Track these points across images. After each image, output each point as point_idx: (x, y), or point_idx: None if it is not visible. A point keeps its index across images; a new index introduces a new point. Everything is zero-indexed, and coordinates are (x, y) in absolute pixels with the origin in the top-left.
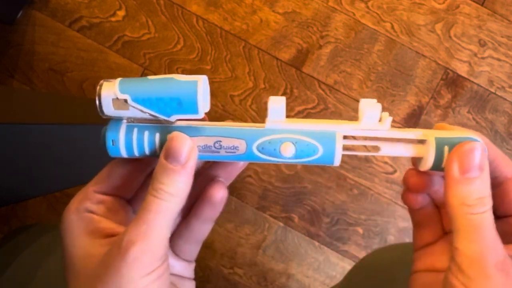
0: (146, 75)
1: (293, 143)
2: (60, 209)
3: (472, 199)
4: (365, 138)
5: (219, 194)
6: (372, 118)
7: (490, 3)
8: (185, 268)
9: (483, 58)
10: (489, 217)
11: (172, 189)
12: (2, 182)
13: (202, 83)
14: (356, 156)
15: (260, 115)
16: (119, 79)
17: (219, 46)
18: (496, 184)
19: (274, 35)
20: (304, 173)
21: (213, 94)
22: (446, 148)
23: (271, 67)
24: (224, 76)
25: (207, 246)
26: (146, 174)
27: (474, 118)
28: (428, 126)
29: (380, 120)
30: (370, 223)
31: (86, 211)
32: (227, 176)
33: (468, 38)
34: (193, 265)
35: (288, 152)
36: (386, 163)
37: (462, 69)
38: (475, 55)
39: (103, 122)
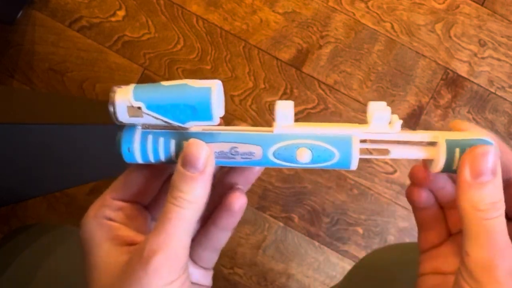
0: (146, 75)
1: (309, 149)
2: (60, 209)
3: (484, 203)
4: (373, 141)
5: (238, 202)
6: (381, 121)
7: (490, 3)
8: (203, 276)
9: (483, 58)
10: (501, 222)
11: (191, 197)
12: (2, 182)
13: (216, 89)
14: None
15: (260, 115)
16: (132, 85)
17: (219, 46)
18: (506, 187)
19: (274, 35)
20: (304, 173)
21: None
22: (457, 150)
23: (271, 67)
24: (224, 76)
25: None
26: (163, 180)
27: (474, 118)
28: (428, 126)
29: (390, 123)
30: (370, 223)
31: (105, 218)
32: (245, 182)
33: (468, 38)
34: (211, 273)
35: (304, 158)
36: (386, 163)
37: (462, 69)
38: (475, 55)
39: (103, 122)
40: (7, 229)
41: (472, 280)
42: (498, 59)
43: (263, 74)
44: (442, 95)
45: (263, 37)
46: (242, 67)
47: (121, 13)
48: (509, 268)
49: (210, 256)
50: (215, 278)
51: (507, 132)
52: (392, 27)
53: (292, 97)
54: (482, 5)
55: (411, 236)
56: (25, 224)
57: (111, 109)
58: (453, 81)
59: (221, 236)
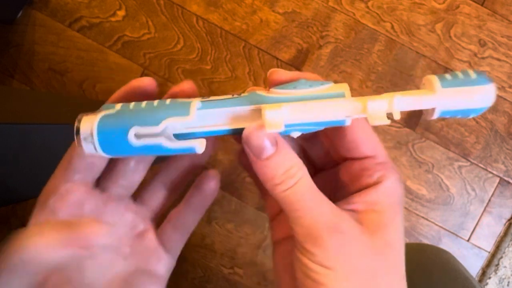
0: (146, 75)
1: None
2: None
3: (278, 177)
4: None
5: (209, 182)
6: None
7: (490, 3)
8: (165, 265)
9: (483, 58)
10: (302, 186)
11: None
12: (2, 182)
13: None
14: None
15: None
16: (99, 116)
17: (219, 46)
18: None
19: (274, 35)
20: None
21: (213, 94)
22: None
23: (271, 67)
24: (224, 76)
25: (207, 247)
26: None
27: (474, 118)
28: (428, 125)
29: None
30: None
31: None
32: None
33: (468, 38)
34: (173, 263)
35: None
36: None
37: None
38: (475, 55)
39: None
40: (7, 229)
41: (303, 250)
42: (498, 59)
43: (263, 74)
44: None
45: (263, 37)
46: (242, 67)
47: (121, 13)
48: (328, 225)
49: (178, 239)
50: (215, 278)
51: (507, 132)
52: (392, 27)
53: None
54: (482, 5)
55: (411, 236)
56: (25, 224)
57: (76, 141)
58: None
59: (191, 217)
